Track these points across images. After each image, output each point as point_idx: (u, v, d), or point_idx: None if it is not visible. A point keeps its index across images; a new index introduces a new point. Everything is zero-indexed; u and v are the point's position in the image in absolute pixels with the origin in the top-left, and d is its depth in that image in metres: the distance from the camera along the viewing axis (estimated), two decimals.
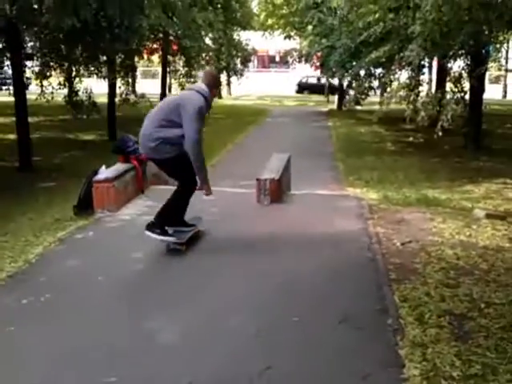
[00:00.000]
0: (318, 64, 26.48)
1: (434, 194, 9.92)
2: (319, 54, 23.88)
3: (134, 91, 22.40)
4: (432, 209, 8.34)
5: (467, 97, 15.40)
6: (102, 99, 19.00)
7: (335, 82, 28.47)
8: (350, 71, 19.31)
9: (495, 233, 6.90)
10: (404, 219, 7.53)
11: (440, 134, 11.03)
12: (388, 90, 15.72)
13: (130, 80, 23.21)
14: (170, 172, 6.17)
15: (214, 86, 5.90)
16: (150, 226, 5.86)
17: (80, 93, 18.81)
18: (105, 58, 16.93)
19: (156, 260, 5.81)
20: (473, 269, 5.60)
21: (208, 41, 26.93)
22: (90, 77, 18.56)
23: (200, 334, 4.21)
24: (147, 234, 5.85)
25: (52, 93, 18.04)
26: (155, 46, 24.33)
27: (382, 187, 10.35)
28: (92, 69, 17.81)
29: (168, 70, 25.44)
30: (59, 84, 18.53)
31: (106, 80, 18.39)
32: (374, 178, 11.38)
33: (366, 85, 20.95)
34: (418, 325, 4.33)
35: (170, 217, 5.98)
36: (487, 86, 17.50)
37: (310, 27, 24.97)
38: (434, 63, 22.01)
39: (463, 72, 12.32)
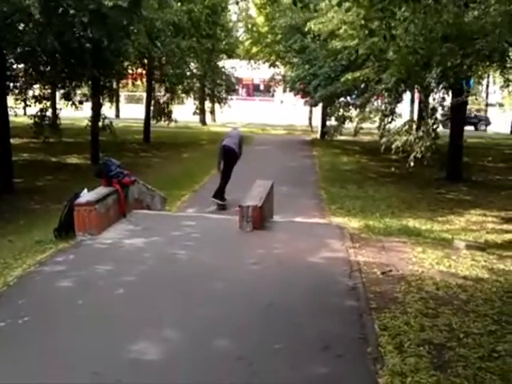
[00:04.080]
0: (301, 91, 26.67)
1: (414, 224, 10.03)
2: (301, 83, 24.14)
3: (117, 115, 22.34)
4: (413, 239, 8.42)
5: (447, 130, 15.73)
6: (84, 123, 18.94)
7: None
8: (325, 90, 19.44)
9: (475, 263, 6.97)
10: (385, 248, 7.58)
11: (412, 164, 11.25)
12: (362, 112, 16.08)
13: (107, 104, 23.10)
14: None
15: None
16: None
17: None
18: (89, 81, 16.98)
19: (137, 284, 5.76)
20: (452, 299, 5.65)
21: (192, 68, 27.14)
22: (75, 104, 18.43)
23: (185, 356, 4.18)
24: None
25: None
26: (139, 71, 24.50)
27: (363, 216, 10.42)
28: (67, 91, 17.80)
29: (152, 95, 25.55)
30: (38, 102, 18.39)
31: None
32: (355, 207, 11.46)
33: (343, 112, 21.38)
34: (398, 353, 4.35)
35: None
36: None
37: (292, 55, 25.39)
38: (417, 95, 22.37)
39: (436, 105, 12.55)
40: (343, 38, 12.40)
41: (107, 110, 21.16)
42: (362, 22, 8.69)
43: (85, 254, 6.73)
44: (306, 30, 13.75)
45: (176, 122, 26.12)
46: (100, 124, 18.15)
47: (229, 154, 11.07)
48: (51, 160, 18.10)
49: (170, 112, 26.41)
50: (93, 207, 7.35)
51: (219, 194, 10.96)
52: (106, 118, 18.64)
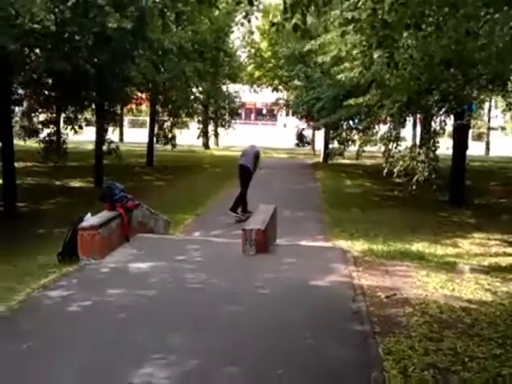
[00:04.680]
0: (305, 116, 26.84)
1: (418, 248, 10.01)
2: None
3: (121, 139, 22.45)
4: (416, 262, 8.41)
5: (450, 152, 15.78)
6: (90, 146, 19.11)
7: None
8: (330, 117, 19.70)
9: (478, 287, 6.96)
10: (388, 272, 7.58)
11: (414, 187, 11.29)
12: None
13: (111, 128, 23.25)
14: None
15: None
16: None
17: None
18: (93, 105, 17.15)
19: (141, 309, 5.76)
20: (456, 322, 5.63)
21: (196, 91, 27.38)
22: (75, 129, 18.63)
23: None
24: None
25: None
26: (143, 95, 24.68)
27: (366, 240, 10.41)
28: (79, 116, 17.98)
29: (157, 118, 25.74)
30: (47, 126, 18.61)
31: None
32: (359, 230, 11.45)
33: (346, 136, 21.51)
34: (402, 378, 4.33)
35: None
36: (470, 142, 17.93)
37: (296, 81, 25.59)
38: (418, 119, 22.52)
39: (438, 128, 12.64)
40: (346, 68, 12.52)
41: (110, 134, 21.29)
42: (364, 48, 8.85)
43: (88, 279, 6.74)
44: (313, 61, 13.92)
45: (175, 146, 26.34)
46: (105, 148, 18.33)
47: (243, 172, 12.45)
48: (55, 184, 18.17)
49: (174, 137, 26.62)
50: (96, 231, 7.38)
51: (235, 207, 12.10)
52: (112, 142, 18.85)
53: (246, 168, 12.33)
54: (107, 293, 6.20)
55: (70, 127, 18.34)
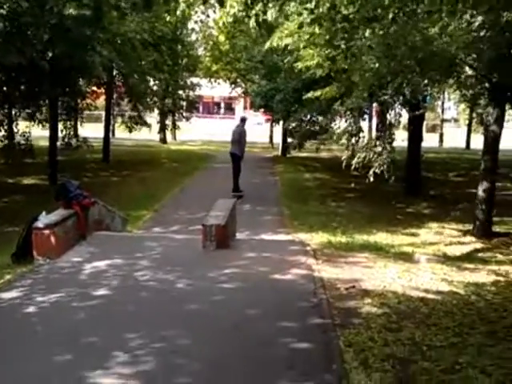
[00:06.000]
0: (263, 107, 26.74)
1: (375, 239, 10.16)
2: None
3: (76, 135, 21.95)
4: (374, 253, 8.52)
5: (405, 144, 16.03)
6: (43, 142, 18.62)
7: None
8: (292, 117, 19.85)
9: (435, 277, 7.09)
10: (347, 264, 7.65)
11: (372, 179, 11.45)
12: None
13: (71, 123, 22.84)
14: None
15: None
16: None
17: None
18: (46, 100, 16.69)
19: (98, 308, 5.64)
20: (414, 312, 5.72)
21: (153, 84, 27.07)
22: (30, 120, 18.20)
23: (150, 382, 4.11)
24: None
25: None
26: (99, 90, 24.18)
27: (326, 232, 10.51)
28: (30, 111, 17.50)
29: (112, 112, 25.29)
30: None
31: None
32: (318, 222, 11.55)
33: (306, 131, 21.61)
34: (363, 369, 4.37)
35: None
36: (424, 134, 18.27)
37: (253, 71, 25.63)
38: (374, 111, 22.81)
39: (393, 120, 12.84)
40: (303, 58, 12.52)
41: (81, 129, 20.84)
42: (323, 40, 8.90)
43: (43, 279, 6.56)
44: (266, 46, 13.81)
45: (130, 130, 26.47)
46: (74, 142, 18.02)
47: (232, 158, 15.17)
48: (8, 182, 17.65)
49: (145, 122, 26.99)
50: (51, 230, 7.20)
51: (235, 188, 14.64)
52: (77, 136, 18.52)
53: (232, 154, 15.11)
54: (63, 293, 6.04)
55: (32, 123, 17.84)
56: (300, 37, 11.58)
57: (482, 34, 7.42)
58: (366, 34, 8.31)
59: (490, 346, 4.92)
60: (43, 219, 7.42)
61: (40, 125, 18.02)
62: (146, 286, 6.31)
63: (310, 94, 13.95)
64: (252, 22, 6.04)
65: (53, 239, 7.19)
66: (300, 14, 8.46)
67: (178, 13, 8.34)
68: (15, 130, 18.34)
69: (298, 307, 5.81)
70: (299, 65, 12.84)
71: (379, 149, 11.96)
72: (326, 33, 8.69)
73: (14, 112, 18.35)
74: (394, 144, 12.69)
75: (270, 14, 6.55)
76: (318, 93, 13.46)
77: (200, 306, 5.72)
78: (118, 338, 4.86)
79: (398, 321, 5.46)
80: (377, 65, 9.83)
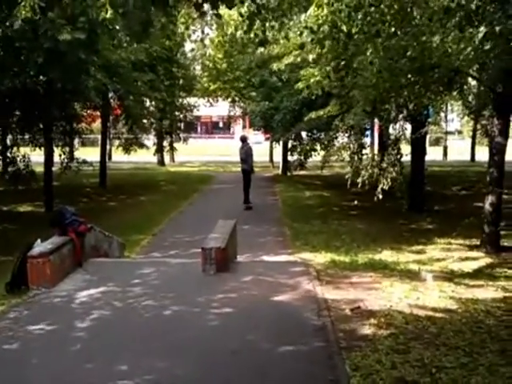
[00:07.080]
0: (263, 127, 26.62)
1: (380, 257, 9.92)
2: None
3: (72, 158, 21.87)
4: (379, 272, 8.31)
5: (408, 159, 15.86)
6: (39, 168, 18.44)
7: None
8: (291, 132, 19.80)
9: (442, 295, 6.90)
10: (352, 284, 7.46)
11: (380, 196, 11.17)
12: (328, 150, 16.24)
13: (67, 148, 22.71)
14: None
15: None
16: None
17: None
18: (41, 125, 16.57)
19: (93, 339, 5.44)
20: (422, 333, 5.52)
21: (149, 105, 27.08)
22: (28, 145, 18.10)
23: None
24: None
25: None
26: (95, 113, 24.11)
27: (329, 251, 10.29)
28: (27, 137, 17.41)
29: (109, 135, 25.22)
30: None
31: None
32: (320, 242, 11.34)
33: (308, 147, 21.42)
34: None
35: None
36: (428, 148, 18.13)
37: (254, 93, 25.62)
38: (376, 127, 22.70)
39: (399, 135, 12.66)
40: (304, 77, 12.43)
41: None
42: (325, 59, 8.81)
43: (39, 309, 6.36)
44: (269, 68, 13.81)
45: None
46: (75, 166, 17.96)
47: (243, 174, 16.77)
48: (2, 209, 17.46)
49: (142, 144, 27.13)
50: (47, 259, 7.01)
51: (246, 201, 16.38)
52: (73, 159, 18.46)
53: (244, 170, 16.71)
54: (58, 324, 5.84)
55: (34, 147, 17.76)
56: (301, 57, 11.58)
57: (486, 47, 7.27)
58: (369, 51, 8.24)
59: (502, 366, 4.73)
60: (38, 247, 7.25)
61: (39, 149, 17.89)
62: (141, 315, 6.11)
63: (312, 115, 13.79)
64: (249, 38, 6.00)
65: (48, 267, 6.99)
66: (301, 34, 8.40)
67: (177, 35, 8.27)
68: (17, 154, 18.15)
69: (301, 330, 5.61)
70: (300, 85, 12.75)
71: (385, 165, 11.73)
72: (329, 52, 8.64)
73: (12, 137, 18.22)
74: None
75: (270, 33, 6.51)
76: (320, 112, 13.33)
77: (198, 333, 5.52)
78: (111, 370, 4.67)
79: (405, 342, 5.27)
80: (376, 79, 9.70)
